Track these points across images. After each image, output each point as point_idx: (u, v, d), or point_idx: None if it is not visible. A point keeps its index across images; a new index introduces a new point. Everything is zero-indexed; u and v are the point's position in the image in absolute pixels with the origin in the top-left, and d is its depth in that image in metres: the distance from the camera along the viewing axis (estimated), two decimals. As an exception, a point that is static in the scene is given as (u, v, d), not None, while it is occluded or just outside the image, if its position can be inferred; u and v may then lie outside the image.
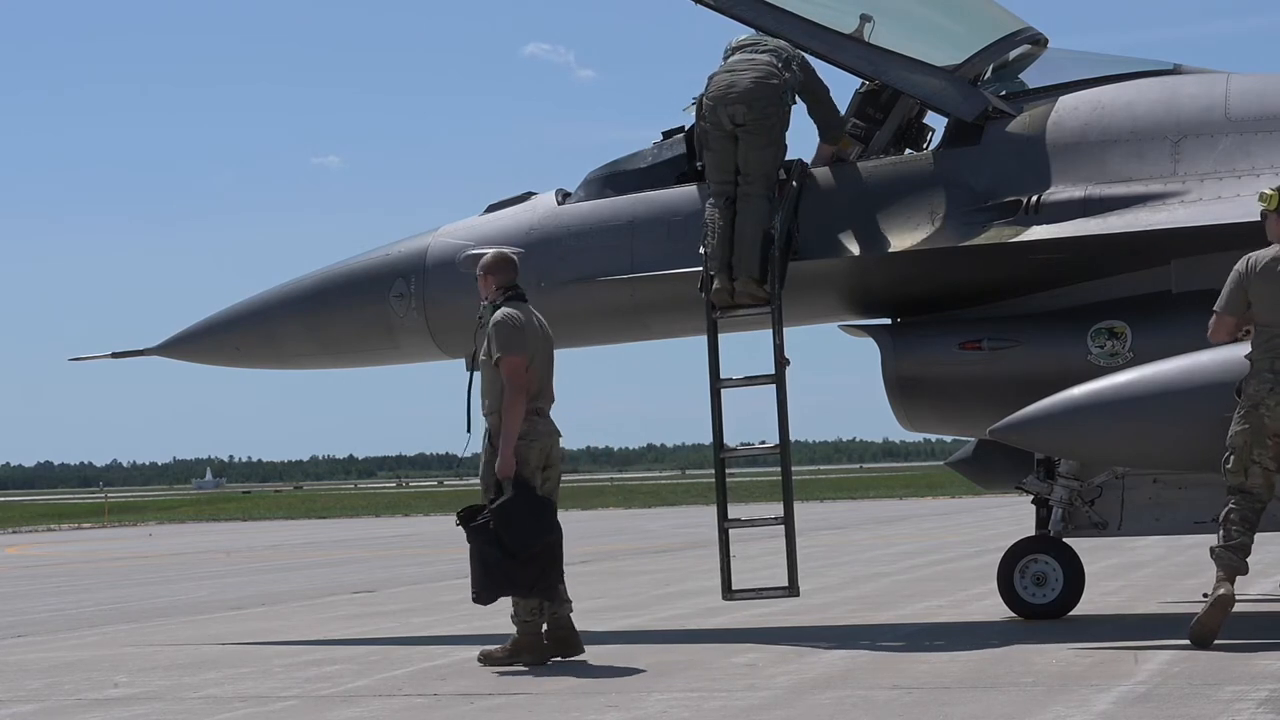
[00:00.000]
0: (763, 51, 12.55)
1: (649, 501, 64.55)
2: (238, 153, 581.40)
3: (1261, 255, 10.83)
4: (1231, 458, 10.74)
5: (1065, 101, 12.67)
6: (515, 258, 11.82)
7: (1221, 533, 10.77)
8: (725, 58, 12.68)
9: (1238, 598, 10.80)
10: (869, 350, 13.05)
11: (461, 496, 54.88)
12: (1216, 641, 10.66)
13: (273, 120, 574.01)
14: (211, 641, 13.72)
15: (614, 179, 13.51)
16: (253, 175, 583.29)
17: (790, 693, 9.44)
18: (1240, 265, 10.84)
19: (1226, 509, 10.79)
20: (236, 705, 9.81)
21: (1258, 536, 11.46)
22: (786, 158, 12.71)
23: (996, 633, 12.13)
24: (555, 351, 11.60)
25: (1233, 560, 10.66)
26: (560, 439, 11.38)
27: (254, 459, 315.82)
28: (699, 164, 12.91)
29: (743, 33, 12.90)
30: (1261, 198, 10.90)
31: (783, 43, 12.65)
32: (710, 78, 12.56)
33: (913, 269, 12.72)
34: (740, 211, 12.34)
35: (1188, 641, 10.77)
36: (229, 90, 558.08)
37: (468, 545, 11.16)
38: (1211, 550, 10.79)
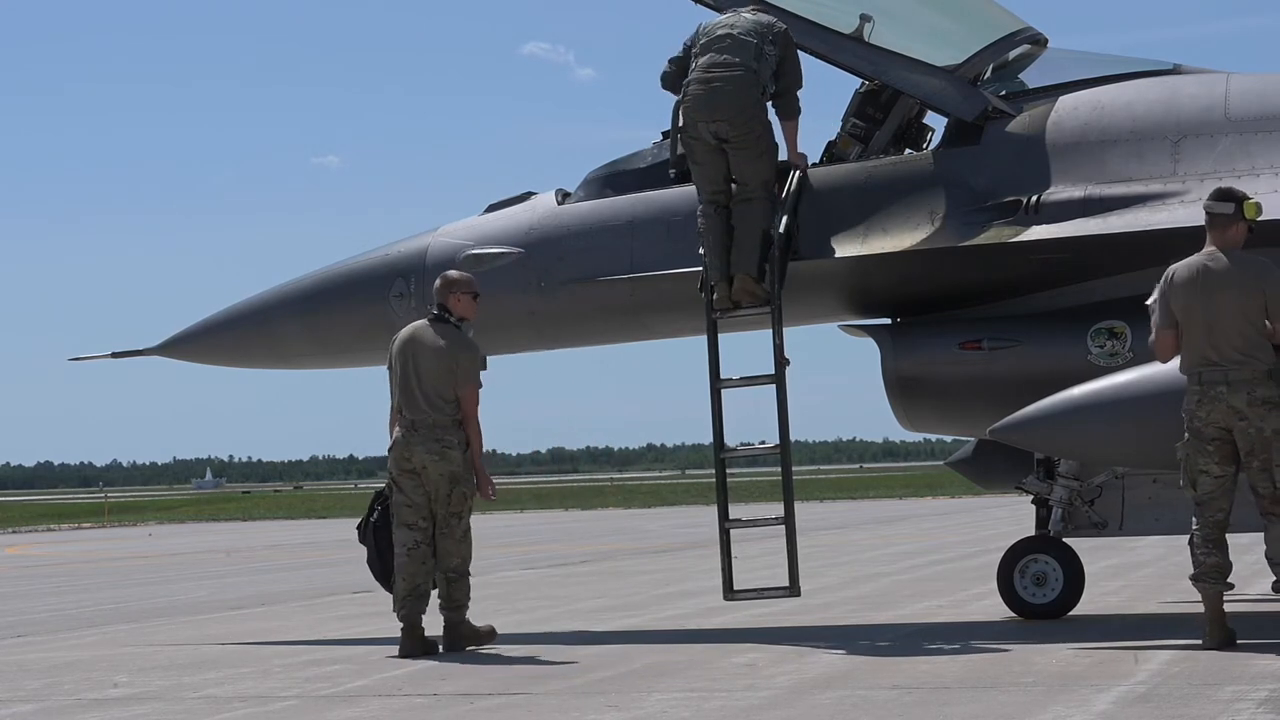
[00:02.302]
0: (735, 41, 12.32)
1: (649, 501, 64.54)
2: (238, 153, 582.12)
3: (1179, 265, 10.84)
4: (1182, 473, 10.79)
5: (1065, 101, 12.66)
6: (449, 277, 12.37)
7: (1191, 559, 10.82)
8: (697, 43, 12.45)
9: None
10: (869, 350, 13.06)
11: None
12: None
13: (273, 120, 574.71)
14: (211, 641, 13.72)
15: (614, 179, 13.51)
16: (253, 175, 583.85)
17: (790, 693, 9.44)
18: (1163, 278, 10.87)
19: (1190, 533, 10.84)
20: (236, 705, 9.81)
21: (1254, 537, 11.46)
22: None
23: (996, 633, 12.13)
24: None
25: (1209, 588, 10.65)
26: (418, 449, 12.09)
27: (254, 459, 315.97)
28: (671, 171, 12.83)
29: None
30: (1249, 209, 10.83)
31: (759, 19, 12.46)
32: (686, 86, 12.40)
33: (913, 269, 12.71)
34: (739, 213, 12.33)
35: (1187, 641, 10.77)
36: (229, 90, 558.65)
37: None
38: (1191, 579, 10.81)
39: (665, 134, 13.46)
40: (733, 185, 12.40)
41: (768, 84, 12.37)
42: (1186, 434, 10.74)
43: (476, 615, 14.70)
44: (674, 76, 12.63)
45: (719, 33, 12.45)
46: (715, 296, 12.39)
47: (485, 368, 12.31)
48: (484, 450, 12.31)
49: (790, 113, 12.61)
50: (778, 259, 12.40)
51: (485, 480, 12.30)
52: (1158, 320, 10.86)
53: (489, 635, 12.39)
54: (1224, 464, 10.68)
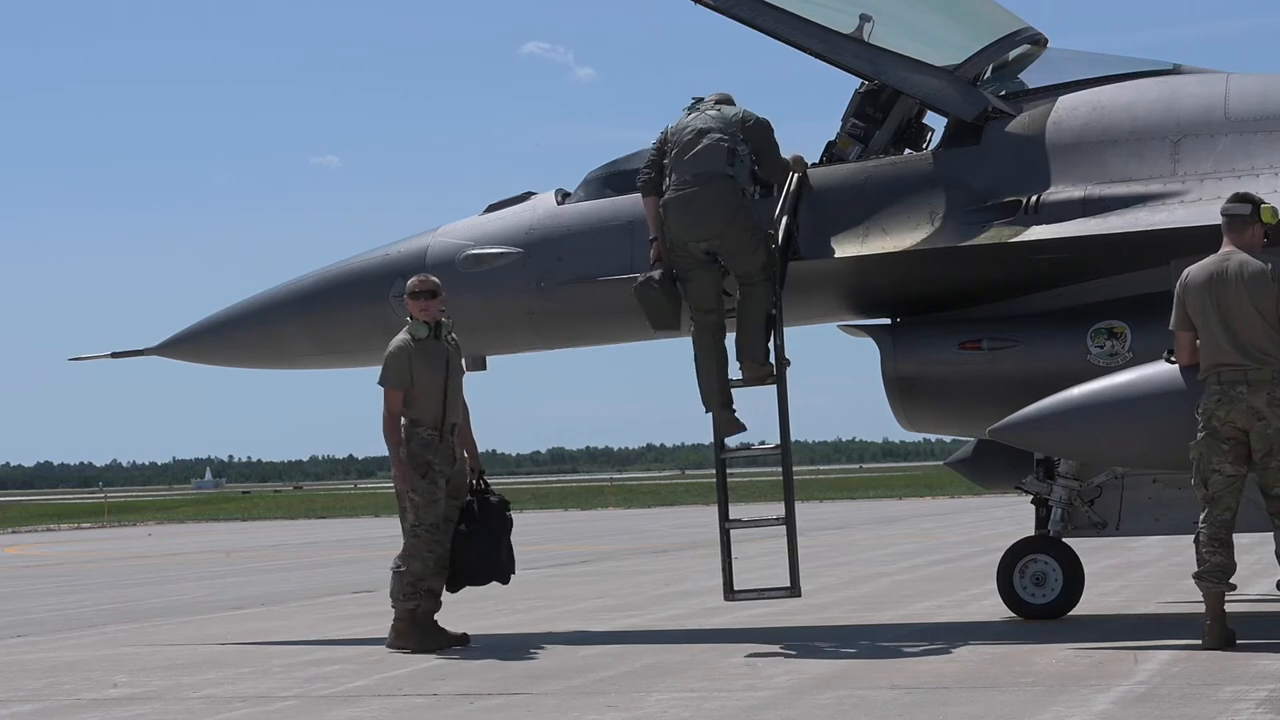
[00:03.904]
0: (707, 148, 12.11)
1: (649, 501, 64.56)
2: (238, 153, 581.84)
3: (1192, 267, 10.84)
4: (1194, 471, 10.80)
5: (1065, 101, 12.66)
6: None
7: (1196, 558, 10.82)
8: (667, 148, 12.26)
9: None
10: (869, 350, 13.06)
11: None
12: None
13: (273, 120, 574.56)
14: (211, 641, 13.73)
15: (614, 179, 13.50)
16: (253, 175, 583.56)
17: (790, 693, 9.44)
18: (1178, 281, 10.88)
19: (1196, 531, 10.83)
20: (236, 705, 9.81)
21: (1255, 537, 11.47)
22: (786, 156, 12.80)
23: (996, 633, 12.14)
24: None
25: (1212, 587, 10.65)
26: None
27: (254, 459, 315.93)
28: (654, 276, 12.36)
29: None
30: (1266, 213, 10.85)
31: (725, 115, 12.30)
32: (664, 202, 12.17)
33: (913, 269, 12.71)
34: (745, 296, 12.27)
35: (1187, 641, 10.78)
36: (229, 90, 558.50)
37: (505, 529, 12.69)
38: (1194, 577, 10.80)
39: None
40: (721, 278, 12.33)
41: (747, 186, 12.26)
42: (1202, 432, 10.74)
43: (478, 614, 14.72)
44: (655, 181, 12.40)
45: (688, 137, 12.27)
46: (715, 422, 12.35)
47: (394, 376, 12.37)
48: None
49: (782, 183, 12.63)
50: (778, 259, 12.41)
51: (396, 474, 12.35)
52: (1174, 323, 10.87)
53: (415, 640, 12.24)
54: (1237, 464, 10.70)
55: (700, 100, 12.66)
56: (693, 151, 12.22)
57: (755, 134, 12.37)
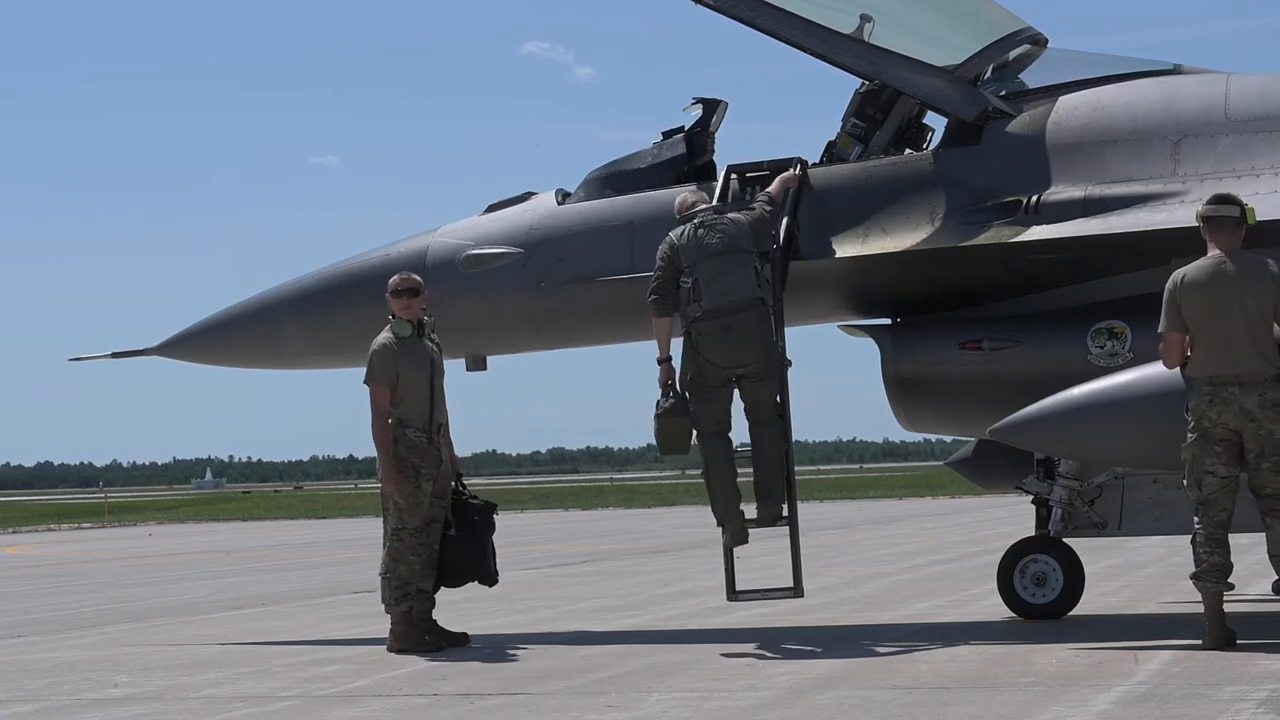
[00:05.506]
0: (737, 275, 11.98)
1: (649, 501, 64.56)
2: (238, 153, 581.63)
3: (1189, 269, 10.81)
4: (1186, 473, 10.77)
5: (1065, 101, 12.66)
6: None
7: (1193, 558, 10.80)
8: (682, 261, 12.08)
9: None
10: (869, 350, 13.06)
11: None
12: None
13: (272, 120, 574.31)
14: (211, 641, 13.73)
15: (614, 179, 13.51)
16: (252, 175, 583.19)
17: (790, 693, 9.44)
18: (1170, 282, 10.82)
19: (1193, 531, 10.82)
20: (236, 705, 9.81)
21: (1254, 537, 11.47)
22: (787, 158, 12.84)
23: (996, 633, 12.14)
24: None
25: (1210, 587, 10.64)
26: None
27: (254, 459, 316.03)
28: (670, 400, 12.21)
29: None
30: (1250, 214, 10.86)
31: (733, 227, 12.13)
32: (698, 327, 11.97)
33: (913, 269, 12.71)
34: (758, 436, 12.19)
35: (1187, 641, 10.77)
36: (229, 90, 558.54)
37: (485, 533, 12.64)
38: (1192, 577, 10.79)
39: (665, 134, 13.50)
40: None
41: (769, 298, 12.21)
42: (1193, 434, 10.72)
43: (478, 614, 14.73)
44: (669, 302, 12.16)
45: (710, 260, 12.06)
46: (727, 535, 12.24)
47: (379, 372, 12.36)
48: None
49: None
50: (778, 259, 12.41)
51: (384, 475, 12.23)
52: (1165, 324, 10.81)
53: (414, 641, 12.22)
54: (1230, 465, 10.68)
55: (690, 195, 12.52)
56: (723, 278, 12.07)
57: (758, 230, 12.29)
